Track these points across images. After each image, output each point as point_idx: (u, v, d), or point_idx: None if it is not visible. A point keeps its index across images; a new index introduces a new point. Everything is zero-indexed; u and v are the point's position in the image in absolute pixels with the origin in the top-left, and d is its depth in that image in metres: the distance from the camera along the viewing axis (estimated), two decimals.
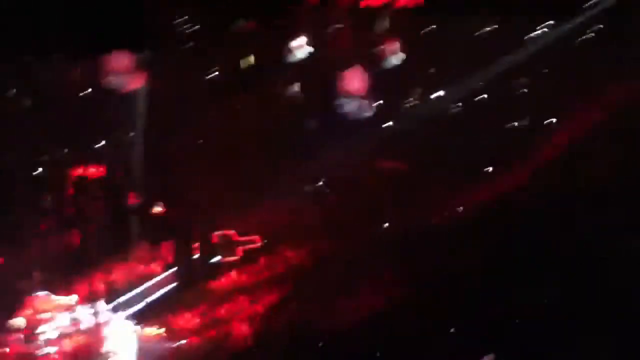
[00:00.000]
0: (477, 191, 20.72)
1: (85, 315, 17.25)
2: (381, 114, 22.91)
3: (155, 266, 19.19)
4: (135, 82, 20.43)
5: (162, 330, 17.50)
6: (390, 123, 23.49)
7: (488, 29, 24.02)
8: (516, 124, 23.16)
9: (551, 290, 16.50)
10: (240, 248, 20.10)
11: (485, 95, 23.73)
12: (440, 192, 21.19)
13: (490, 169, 21.78)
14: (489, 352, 15.39)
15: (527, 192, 19.50)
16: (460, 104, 23.87)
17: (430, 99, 23.92)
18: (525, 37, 23.26)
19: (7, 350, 16.33)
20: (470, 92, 23.77)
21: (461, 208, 20.32)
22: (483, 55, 22.99)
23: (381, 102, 22.75)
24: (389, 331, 16.70)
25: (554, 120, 22.37)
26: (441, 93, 23.83)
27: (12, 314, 16.77)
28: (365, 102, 22.61)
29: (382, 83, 22.59)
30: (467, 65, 23.08)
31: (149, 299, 18.28)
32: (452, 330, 16.49)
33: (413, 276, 18.03)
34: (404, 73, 23.22)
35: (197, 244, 19.69)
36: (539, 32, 23.33)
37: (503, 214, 18.42)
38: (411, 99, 24.26)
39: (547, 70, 22.83)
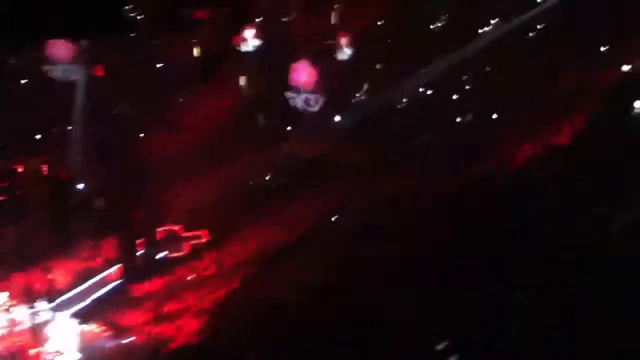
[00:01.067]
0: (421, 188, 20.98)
1: (24, 315, 16.62)
2: (330, 108, 23.06)
3: (99, 263, 18.72)
4: (77, 72, 19.88)
5: (107, 328, 17.02)
6: (339, 117, 23.66)
7: (439, 23, 24.49)
8: (459, 119, 23.76)
9: None
10: (187, 243, 19.96)
11: (431, 91, 24.22)
12: (389, 185, 21.42)
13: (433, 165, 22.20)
14: None
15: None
16: (407, 99, 24.32)
17: (379, 93, 24.39)
18: (478, 31, 23.92)
19: None
20: (418, 87, 24.31)
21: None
22: (433, 50, 23.43)
23: (330, 95, 22.99)
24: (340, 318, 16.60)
25: (496, 116, 22.95)
26: (390, 88, 24.40)
27: None
28: (315, 95, 22.63)
29: (332, 76, 22.82)
30: (416, 60, 23.59)
31: (93, 297, 17.78)
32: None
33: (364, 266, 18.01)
34: (353, 67, 23.45)
35: (142, 240, 19.28)
36: (491, 26, 23.96)
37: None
38: (360, 93, 24.50)
39: (492, 67, 23.62)
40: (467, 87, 23.98)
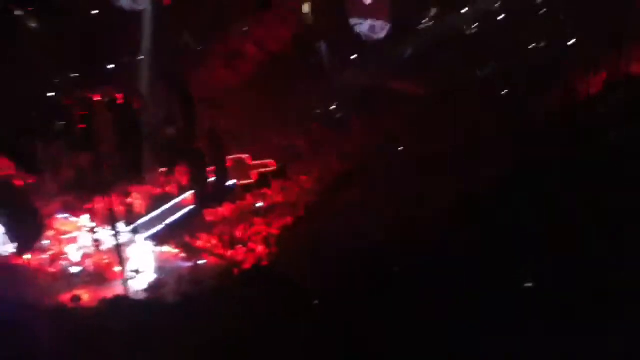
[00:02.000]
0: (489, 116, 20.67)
1: (105, 237, 17.70)
2: (395, 35, 22.66)
3: (172, 189, 19.55)
4: (144, 2, 20.12)
5: (181, 250, 17.97)
6: (405, 44, 23.22)
7: None
8: (533, 45, 22.86)
9: None
10: (255, 171, 20.55)
11: (503, 15, 23.31)
12: (455, 115, 21.19)
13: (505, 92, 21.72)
14: None
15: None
16: (476, 24, 23.54)
17: (445, 18, 23.74)
18: None
19: (35, 270, 16.82)
20: (487, 11, 23.46)
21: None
22: None
23: (395, 22, 22.54)
24: (404, 249, 16.92)
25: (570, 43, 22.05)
26: (456, 13, 23.68)
27: (36, 236, 17.15)
28: (379, 22, 22.25)
29: (396, 3, 22.34)
30: None
31: (168, 221, 18.69)
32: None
33: (426, 197, 18.15)
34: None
35: (212, 168, 19.95)
36: None
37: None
38: (426, 19, 23.87)
39: None
40: (541, 11, 23.01)
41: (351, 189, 19.02)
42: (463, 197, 16.88)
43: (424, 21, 23.76)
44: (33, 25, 19.17)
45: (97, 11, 20.23)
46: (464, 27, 23.58)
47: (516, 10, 22.88)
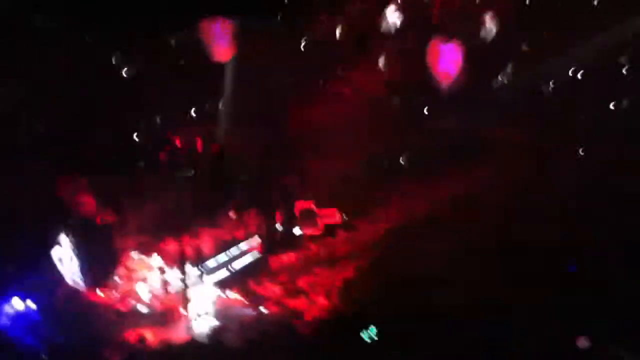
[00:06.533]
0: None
1: (173, 278, 18.22)
2: (475, 89, 22.58)
3: (239, 234, 19.97)
4: (228, 51, 20.89)
5: (245, 296, 18.26)
6: (484, 97, 23.03)
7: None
8: (612, 105, 22.27)
9: None
10: (321, 221, 20.76)
11: (582, 72, 22.84)
12: (549, 167, 20.88)
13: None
14: None
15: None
16: (555, 80, 23.16)
17: (524, 74, 23.50)
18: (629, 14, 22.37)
19: (104, 306, 17.46)
20: (567, 68, 23.03)
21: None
22: (583, 29, 22.16)
23: (474, 76, 22.48)
24: (470, 303, 16.72)
25: None
26: (536, 68, 23.38)
27: (109, 273, 17.85)
28: (458, 76, 22.24)
29: (476, 57, 22.26)
30: (565, 39, 22.31)
31: (233, 265, 19.06)
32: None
33: (502, 246, 17.91)
34: (497, 47, 22.68)
35: (280, 215, 20.29)
36: None
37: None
38: (504, 74, 23.68)
39: None
40: (626, 68, 22.50)
41: (425, 240, 18.93)
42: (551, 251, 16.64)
43: (519, 68, 23.58)
44: (127, 69, 20.28)
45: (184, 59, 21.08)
46: (563, 75, 23.26)
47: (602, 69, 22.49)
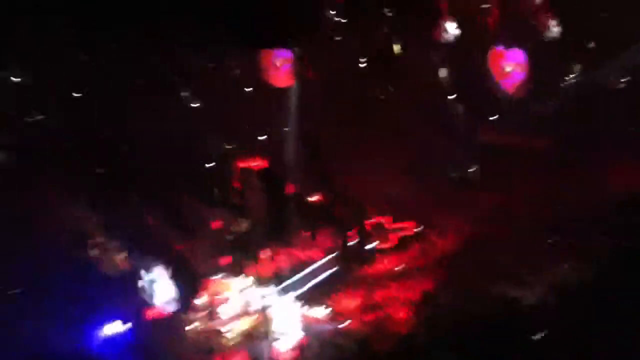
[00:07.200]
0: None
1: (255, 297, 18.78)
2: (537, 93, 22.37)
3: (315, 252, 20.44)
4: (290, 77, 21.54)
5: (325, 312, 18.64)
6: (547, 102, 22.75)
7: None
8: None
9: None
10: (394, 235, 20.97)
11: None
12: (598, 173, 20.51)
13: None
14: None
15: None
16: (624, 80, 22.65)
17: (591, 75, 22.98)
18: None
19: (190, 327, 18.20)
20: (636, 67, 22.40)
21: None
22: None
23: (537, 80, 22.18)
24: (547, 319, 16.55)
25: None
26: (604, 67, 22.66)
27: (194, 295, 18.61)
28: (520, 81, 22.07)
29: (538, 60, 21.97)
30: (631, 38, 21.77)
31: (312, 283, 19.51)
32: None
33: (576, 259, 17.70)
34: (561, 48, 22.21)
35: (353, 231, 20.64)
36: None
37: None
38: (570, 75, 23.29)
39: None
40: None
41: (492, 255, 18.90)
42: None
43: (567, 77, 23.22)
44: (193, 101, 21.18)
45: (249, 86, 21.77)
46: (610, 83, 22.75)
47: None
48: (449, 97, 23.03)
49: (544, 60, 22.13)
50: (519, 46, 22.03)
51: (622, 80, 22.44)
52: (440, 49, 22.73)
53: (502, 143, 22.31)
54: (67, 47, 19.09)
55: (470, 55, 22.56)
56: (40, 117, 19.33)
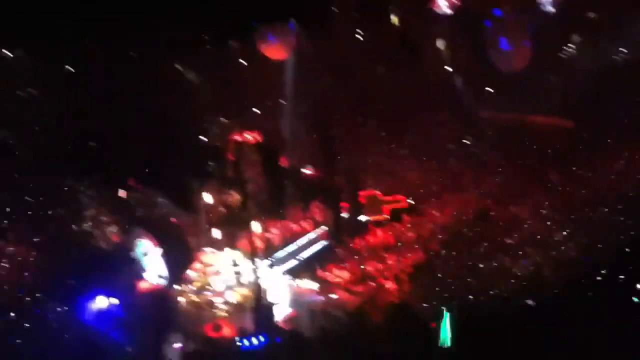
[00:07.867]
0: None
1: (247, 270, 18.80)
2: (536, 66, 21.93)
3: (307, 224, 20.41)
4: (288, 52, 21.32)
5: (315, 284, 18.66)
6: (546, 75, 22.29)
7: None
8: None
9: None
10: (387, 207, 20.92)
11: None
12: (603, 151, 20.12)
13: None
14: None
15: None
16: (624, 52, 21.96)
17: (591, 48, 22.52)
18: None
19: (182, 299, 18.26)
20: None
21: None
22: None
23: (536, 53, 21.79)
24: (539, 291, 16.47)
25: None
26: (602, 43, 22.38)
27: (186, 268, 18.65)
28: (520, 53, 21.67)
29: (538, 32, 21.72)
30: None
31: (302, 255, 19.52)
32: None
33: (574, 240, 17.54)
34: (561, 21, 22.03)
35: (345, 204, 20.59)
36: None
37: None
38: (569, 48, 22.77)
39: None
40: None
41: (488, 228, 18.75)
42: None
43: (570, 50, 22.62)
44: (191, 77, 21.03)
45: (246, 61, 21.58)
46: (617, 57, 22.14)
47: None
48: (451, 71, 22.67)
49: (543, 34, 21.74)
50: (518, 19, 21.61)
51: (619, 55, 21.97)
52: (440, 22, 22.40)
53: (505, 119, 22.01)
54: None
55: (470, 27, 22.18)
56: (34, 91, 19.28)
